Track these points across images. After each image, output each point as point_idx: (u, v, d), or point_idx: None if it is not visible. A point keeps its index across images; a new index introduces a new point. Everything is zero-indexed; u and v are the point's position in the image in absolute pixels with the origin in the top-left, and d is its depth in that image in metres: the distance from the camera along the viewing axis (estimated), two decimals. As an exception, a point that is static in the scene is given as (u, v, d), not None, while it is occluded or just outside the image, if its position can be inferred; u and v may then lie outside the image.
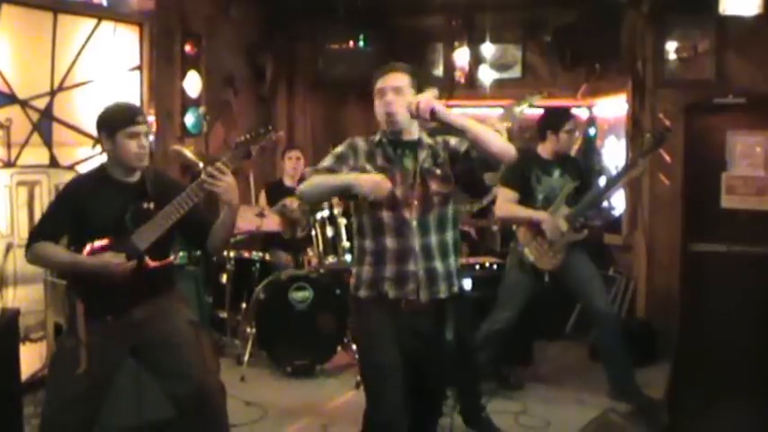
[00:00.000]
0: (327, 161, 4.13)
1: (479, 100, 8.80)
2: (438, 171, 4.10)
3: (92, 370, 4.04)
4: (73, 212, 4.10)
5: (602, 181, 6.55)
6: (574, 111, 6.54)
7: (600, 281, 6.36)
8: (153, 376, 4.35)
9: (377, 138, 4.18)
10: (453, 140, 4.19)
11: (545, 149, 6.25)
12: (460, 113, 4.34)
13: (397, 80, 4.13)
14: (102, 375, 4.15)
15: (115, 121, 4.10)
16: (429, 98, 4.00)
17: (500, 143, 3.96)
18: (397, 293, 3.99)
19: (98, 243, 4.05)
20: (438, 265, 4.05)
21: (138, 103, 6.78)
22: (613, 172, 7.91)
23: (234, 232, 4.84)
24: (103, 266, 4.00)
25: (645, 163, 6.19)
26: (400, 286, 3.99)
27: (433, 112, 3.90)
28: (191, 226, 4.23)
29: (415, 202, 4.03)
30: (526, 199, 6.15)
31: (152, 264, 4.13)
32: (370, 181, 3.93)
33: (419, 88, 4.17)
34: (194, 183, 4.12)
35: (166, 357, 4.21)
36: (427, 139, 4.18)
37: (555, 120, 6.24)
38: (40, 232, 4.16)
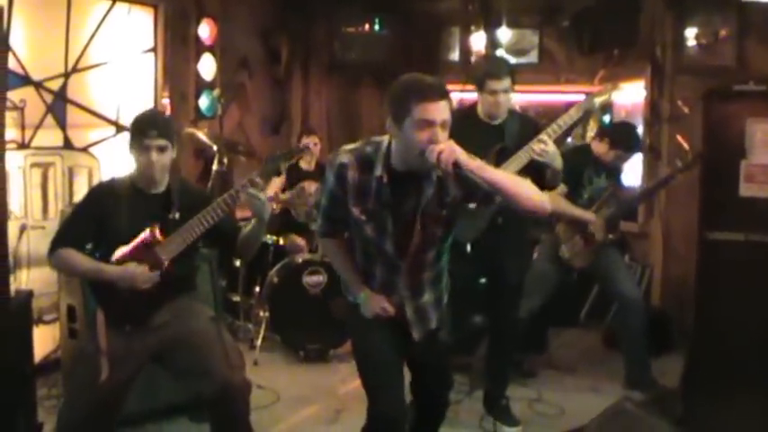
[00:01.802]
0: (325, 202, 3.88)
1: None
2: (443, 212, 3.70)
3: (112, 376, 4.06)
4: (97, 219, 4.10)
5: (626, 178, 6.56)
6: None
7: (629, 271, 6.39)
8: (177, 378, 4.35)
9: (377, 171, 3.65)
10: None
11: (600, 150, 6.26)
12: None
13: (446, 111, 3.48)
14: (122, 380, 4.15)
15: (133, 129, 4.13)
16: (452, 146, 3.42)
17: (533, 199, 3.54)
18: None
19: (122, 250, 4.06)
20: (427, 297, 3.96)
21: (150, 85, 6.80)
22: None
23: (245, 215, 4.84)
24: (126, 277, 4.00)
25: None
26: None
27: (456, 165, 3.38)
28: (217, 236, 4.23)
29: (410, 249, 3.77)
30: (571, 195, 6.15)
31: (174, 273, 4.12)
32: (373, 306, 3.85)
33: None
34: (224, 196, 4.13)
35: (188, 358, 4.18)
36: (438, 170, 3.54)
37: (628, 139, 6.28)
38: (64, 237, 4.15)
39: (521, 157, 5.03)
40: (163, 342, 4.18)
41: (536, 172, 5.09)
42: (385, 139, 3.71)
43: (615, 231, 6.25)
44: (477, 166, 3.43)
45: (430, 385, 4.26)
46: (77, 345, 4.91)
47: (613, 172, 6.33)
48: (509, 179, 3.57)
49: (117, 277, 4.01)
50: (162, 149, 4.10)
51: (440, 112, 3.43)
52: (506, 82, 5.17)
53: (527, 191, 3.56)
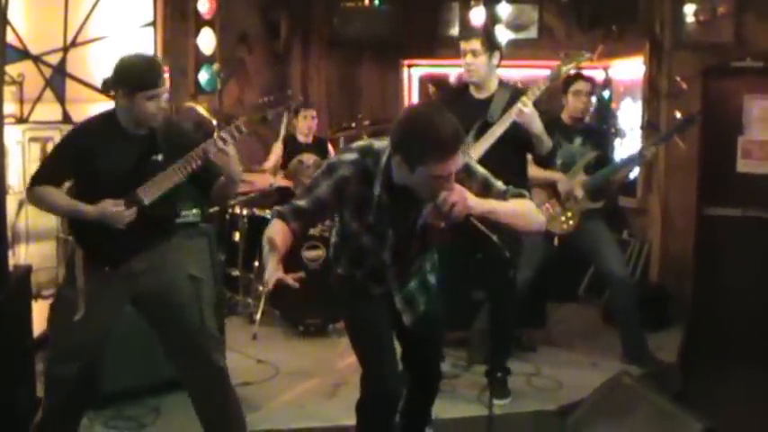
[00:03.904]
0: (306, 202, 3.63)
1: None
2: (442, 223, 3.56)
3: (91, 317, 4.02)
4: (78, 158, 4.01)
5: (618, 147, 6.52)
6: (587, 71, 6.43)
7: (615, 246, 6.34)
8: (150, 324, 4.33)
9: (375, 189, 3.57)
10: (474, 184, 3.59)
11: (564, 113, 6.23)
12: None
13: (460, 160, 3.38)
14: (101, 323, 4.11)
15: (138, 81, 3.96)
16: (464, 197, 3.37)
17: (536, 223, 3.65)
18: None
19: None
20: (413, 283, 3.96)
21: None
22: (628, 134, 7.88)
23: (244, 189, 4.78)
24: (101, 213, 3.94)
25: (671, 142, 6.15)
26: (368, 288, 3.92)
27: (468, 218, 3.37)
28: (198, 176, 4.16)
29: (407, 256, 3.81)
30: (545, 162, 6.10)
31: (153, 214, 4.07)
32: (270, 277, 3.57)
33: None
34: (206, 142, 4.06)
35: (161, 308, 4.21)
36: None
37: (565, 81, 6.18)
38: (43, 175, 4.08)
39: (504, 122, 5.05)
40: (140, 290, 4.15)
41: (522, 144, 5.08)
42: (385, 147, 3.56)
43: (598, 200, 6.18)
44: (488, 210, 3.44)
45: (422, 357, 4.24)
46: (58, 292, 4.86)
47: (592, 139, 6.27)
48: (516, 212, 3.58)
49: (93, 214, 3.95)
50: (165, 94, 4.08)
51: (456, 164, 3.33)
52: (474, 43, 5.15)
53: (526, 217, 3.61)
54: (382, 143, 3.61)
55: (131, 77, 3.98)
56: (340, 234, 3.93)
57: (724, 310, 7.38)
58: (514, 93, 5.20)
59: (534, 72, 8.66)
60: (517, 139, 5.09)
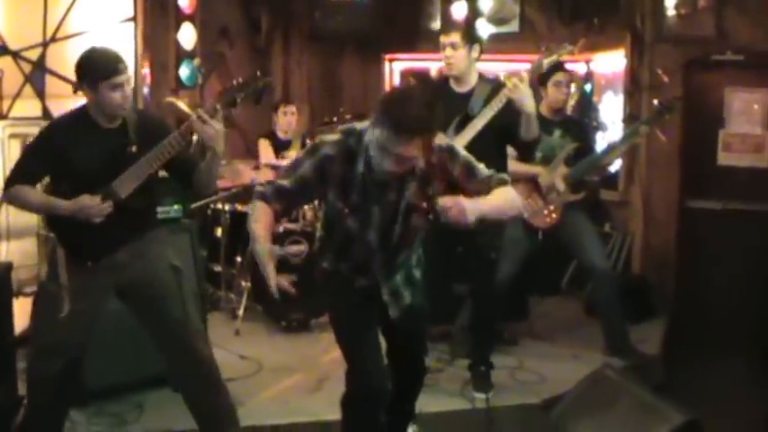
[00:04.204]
0: (289, 181, 3.69)
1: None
2: (425, 204, 3.59)
3: (74, 312, 4.02)
4: (52, 155, 4.00)
5: (599, 141, 6.52)
6: (568, 64, 6.43)
7: (597, 239, 6.35)
8: (135, 316, 4.33)
9: (359, 167, 3.62)
10: (457, 166, 3.69)
11: (543, 106, 6.21)
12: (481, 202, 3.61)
13: (413, 150, 3.43)
14: (85, 317, 4.11)
15: (97, 72, 3.95)
16: (460, 206, 3.46)
17: (515, 209, 3.82)
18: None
19: None
20: (399, 276, 3.95)
21: (130, 54, 6.71)
22: (610, 127, 7.90)
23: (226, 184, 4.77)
24: (78, 209, 3.93)
25: (647, 130, 6.11)
26: (352, 281, 3.93)
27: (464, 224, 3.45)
28: (176, 166, 4.16)
29: (393, 239, 3.80)
30: (525, 156, 6.09)
31: (132, 206, 4.06)
32: (264, 261, 3.56)
33: None
34: (180, 128, 4.05)
35: (145, 300, 4.22)
36: (421, 161, 3.53)
37: (542, 74, 6.16)
38: (18, 174, 4.07)
39: (485, 115, 5.04)
40: (123, 282, 4.16)
41: (503, 137, 5.08)
42: (366, 125, 3.60)
43: (579, 191, 6.18)
44: (481, 215, 3.51)
45: (407, 352, 4.24)
46: (41, 287, 4.84)
47: (572, 130, 6.27)
48: (502, 206, 3.70)
49: (69, 210, 3.94)
50: (129, 82, 4.04)
51: (408, 150, 3.39)
52: (454, 36, 5.15)
53: (513, 205, 3.77)
54: (365, 124, 3.64)
55: (90, 69, 3.99)
56: (325, 223, 3.95)
57: (706, 301, 7.42)
58: (495, 86, 5.19)
59: (516, 66, 8.68)
60: (498, 132, 5.08)
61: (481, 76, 5.32)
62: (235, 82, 4.15)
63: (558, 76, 6.16)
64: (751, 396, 5.99)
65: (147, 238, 4.23)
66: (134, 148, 4.05)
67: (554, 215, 6.12)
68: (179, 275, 4.30)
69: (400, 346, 4.17)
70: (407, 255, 3.96)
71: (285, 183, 3.69)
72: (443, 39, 5.20)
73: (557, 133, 6.18)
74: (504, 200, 3.70)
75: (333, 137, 3.69)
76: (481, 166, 3.76)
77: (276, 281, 3.52)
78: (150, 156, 4.01)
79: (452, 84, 5.33)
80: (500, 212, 3.71)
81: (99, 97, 3.97)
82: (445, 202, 3.43)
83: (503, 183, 3.73)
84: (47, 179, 4.14)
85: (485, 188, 3.69)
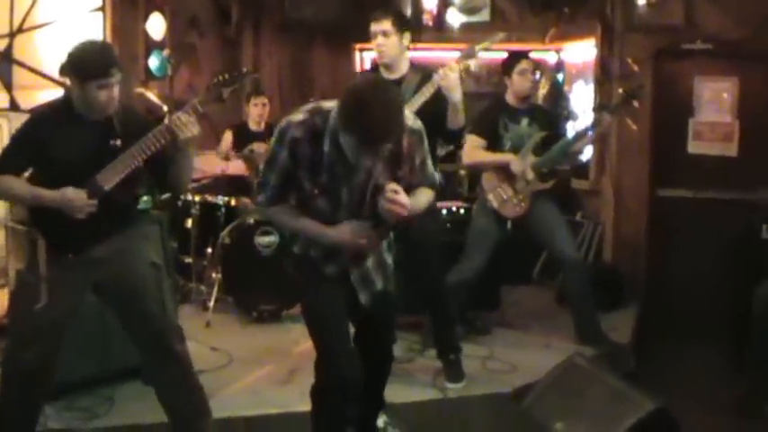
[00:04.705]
0: (273, 178, 3.78)
1: (447, 43, 8.68)
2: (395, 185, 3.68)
3: (52, 304, 3.99)
4: (36, 146, 3.97)
5: (570, 130, 6.54)
6: (538, 53, 6.45)
7: (566, 228, 6.36)
8: (113, 312, 4.31)
9: (325, 146, 3.65)
10: (420, 154, 3.87)
11: (509, 95, 6.21)
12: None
13: (379, 154, 3.56)
14: (62, 309, 4.08)
15: (88, 70, 3.90)
16: (406, 206, 3.62)
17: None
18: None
19: None
20: (370, 261, 3.98)
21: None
22: (581, 117, 7.93)
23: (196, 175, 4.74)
24: (63, 202, 3.91)
25: (609, 119, 6.13)
26: (322, 267, 3.94)
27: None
28: (156, 164, 4.13)
29: (362, 219, 3.81)
30: (493, 146, 6.12)
31: (114, 200, 4.03)
32: (346, 238, 3.73)
33: None
34: (163, 125, 4.04)
35: (124, 296, 4.18)
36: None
37: (507, 62, 6.20)
38: (2, 165, 4.04)
39: (424, 93, 4.99)
40: (102, 277, 4.13)
41: (433, 125, 5.09)
42: (333, 105, 3.61)
43: (548, 180, 6.19)
44: (416, 210, 3.80)
45: (376, 339, 4.24)
46: (18, 278, 4.80)
47: (539, 118, 6.26)
48: (422, 207, 3.93)
49: (54, 202, 3.91)
50: (118, 83, 4.01)
51: (369, 158, 3.54)
52: (385, 24, 5.13)
53: (423, 208, 3.95)
54: (331, 103, 3.65)
55: (82, 66, 3.93)
56: (296, 206, 3.93)
57: (676, 290, 7.48)
58: (426, 74, 5.17)
59: (487, 55, 8.68)
60: (427, 120, 5.07)
61: (412, 64, 5.29)
62: (220, 78, 4.13)
63: (523, 65, 6.14)
64: (721, 383, 6.04)
65: (128, 233, 4.21)
66: (118, 142, 4.02)
67: (523, 204, 6.12)
68: (159, 273, 4.28)
69: (369, 333, 4.18)
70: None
71: (273, 181, 3.78)
72: (374, 26, 5.17)
73: (524, 122, 6.17)
74: (425, 203, 3.95)
75: (298, 116, 3.70)
76: (430, 170, 3.97)
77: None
78: (134, 149, 3.98)
79: (383, 71, 5.28)
80: (417, 212, 3.85)
81: (85, 95, 3.93)
82: (396, 194, 3.55)
83: (433, 186, 4.00)
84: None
85: (418, 184, 3.91)
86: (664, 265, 7.72)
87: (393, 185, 3.59)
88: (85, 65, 3.92)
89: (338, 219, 3.76)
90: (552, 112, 6.89)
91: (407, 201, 3.60)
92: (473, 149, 6.10)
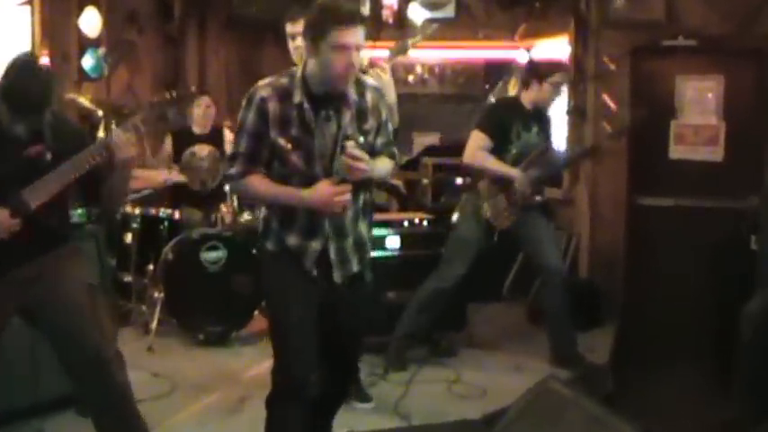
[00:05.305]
0: (244, 143, 3.97)
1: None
2: (362, 139, 4.00)
3: None
4: None
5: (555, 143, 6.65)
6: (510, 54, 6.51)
7: (553, 238, 6.44)
8: (45, 339, 4.27)
9: (296, 98, 3.91)
10: (384, 112, 4.14)
11: (526, 98, 6.26)
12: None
13: (361, 36, 3.84)
14: None
15: (19, 108, 3.93)
16: (366, 159, 3.86)
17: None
18: (299, 264, 4.02)
19: None
20: (350, 240, 4.08)
21: (26, 42, 6.63)
22: (553, 120, 7.98)
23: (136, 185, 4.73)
24: None
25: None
26: (300, 258, 4.01)
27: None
28: (86, 178, 4.11)
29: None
30: (498, 150, 6.16)
31: (43, 220, 4.01)
32: (323, 199, 3.88)
33: None
34: (100, 141, 4.03)
35: (57, 321, 4.11)
36: (353, 94, 3.99)
37: (544, 69, 6.24)
38: None
39: None
40: (30, 298, 4.08)
41: None
42: (297, 68, 3.97)
43: (540, 194, 6.27)
44: (376, 175, 4.08)
45: (342, 348, 4.33)
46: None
47: (545, 126, 6.34)
48: (383, 175, 4.26)
49: None
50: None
51: (355, 37, 3.77)
52: (301, 26, 5.17)
53: (385, 178, 4.40)
54: (296, 68, 4.00)
55: (13, 99, 3.93)
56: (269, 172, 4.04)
57: (657, 306, 7.52)
58: (360, 88, 5.21)
59: (451, 54, 8.74)
60: None
61: None
62: (168, 95, 4.16)
63: (558, 77, 6.20)
64: (705, 408, 6.08)
65: (58, 253, 4.17)
66: (48, 156, 4.00)
67: (512, 217, 6.18)
68: (95, 294, 4.24)
69: (336, 340, 4.24)
70: (354, 214, 4.08)
71: (244, 147, 3.98)
72: (290, 28, 5.20)
73: (534, 130, 6.21)
74: (386, 171, 4.23)
75: (264, 81, 4.00)
76: (390, 129, 4.26)
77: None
78: (67, 166, 3.96)
79: None
80: (377, 180, 4.20)
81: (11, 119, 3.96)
82: (356, 155, 3.80)
83: (392, 156, 4.26)
84: None
85: (380, 150, 4.17)
86: (643, 280, 7.77)
87: (353, 143, 3.86)
88: (17, 100, 3.93)
89: (314, 174, 3.90)
90: (551, 120, 6.88)
91: (368, 158, 3.87)
92: (479, 150, 6.13)
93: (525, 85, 6.28)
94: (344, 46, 3.76)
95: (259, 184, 4.00)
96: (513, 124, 6.16)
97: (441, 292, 6.21)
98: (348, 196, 3.89)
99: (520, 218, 6.20)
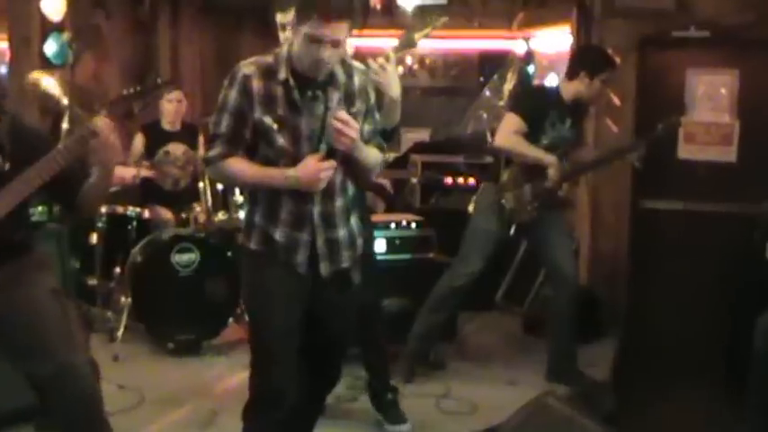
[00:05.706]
0: (225, 123, 3.99)
1: (398, 30, 8.71)
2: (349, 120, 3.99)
3: None
4: None
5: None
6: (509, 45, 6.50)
7: (570, 242, 6.44)
8: (5, 355, 4.23)
9: (281, 75, 3.95)
10: (372, 96, 4.23)
11: (568, 90, 6.22)
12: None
13: (342, 31, 3.85)
14: None
15: None
16: (354, 126, 3.91)
17: (368, 176, 4.35)
18: (288, 259, 4.03)
19: None
20: (341, 232, 4.11)
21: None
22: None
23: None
24: None
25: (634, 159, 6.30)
26: (291, 253, 4.02)
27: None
28: (57, 185, 4.06)
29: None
30: (529, 137, 6.12)
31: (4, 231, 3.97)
32: (308, 174, 3.91)
33: None
34: (67, 142, 3.99)
35: (21, 333, 4.06)
36: (341, 75, 4.04)
37: (598, 61, 6.21)
38: None
39: None
40: None
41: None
42: (283, 48, 4.01)
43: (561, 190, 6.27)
44: (363, 156, 4.07)
45: (325, 352, 4.35)
46: None
47: (578, 120, 6.34)
48: (371, 164, 4.20)
49: None
50: None
51: (331, 31, 3.78)
52: (290, 15, 5.19)
53: (373, 170, 4.30)
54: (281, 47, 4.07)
55: None
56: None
57: (663, 318, 7.51)
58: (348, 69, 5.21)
59: (444, 44, 8.72)
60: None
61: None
62: (131, 89, 4.11)
63: (610, 73, 6.19)
64: (714, 427, 6.08)
65: (20, 262, 4.13)
66: (6, 165, 3.96)
67: (534, 213, 6.17)
68: (62, 300, 4.20)
69: (320, 343, 4.26)
70: (344, 206, 4.13)
71: (224, 128, 4.00)
72: (281, 18, 5.19)
73: (568, 123, 6.19)
74: (374, 160, 4.21)
75: (248, 60, 4.03)
76: (378, 118, 4.34)
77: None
78: (28, 174, 3.90)
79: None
80: (363, 167, 4.15)
81: None
82: (345, 119, 3.86)
83: (381, 148, 4.30)
84: None
85: (368, 139, 4.18)
86: (648, 289, 7.77)
87: (342, 112, 3.91)
88: None
89: (301, 156, 3.95)
90: (586, 117, 6.83)
91: (356, 125, 3.91)
92: (513, 134, 6.09)
93: (570, 75, 6.23)
94: (317, 38, 3.78)
95: (240, 166, 4.01)
96: (549, 113, 6.13)
97: (455, 290, 6.23)
98: (331, 172, 3.93)
99: (542, 214, 6.19)
